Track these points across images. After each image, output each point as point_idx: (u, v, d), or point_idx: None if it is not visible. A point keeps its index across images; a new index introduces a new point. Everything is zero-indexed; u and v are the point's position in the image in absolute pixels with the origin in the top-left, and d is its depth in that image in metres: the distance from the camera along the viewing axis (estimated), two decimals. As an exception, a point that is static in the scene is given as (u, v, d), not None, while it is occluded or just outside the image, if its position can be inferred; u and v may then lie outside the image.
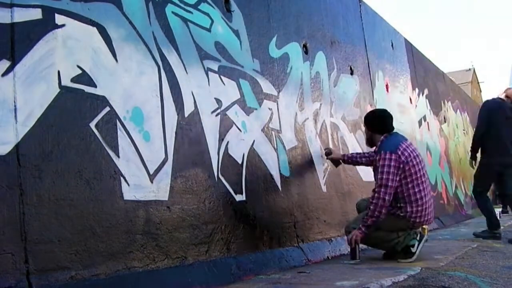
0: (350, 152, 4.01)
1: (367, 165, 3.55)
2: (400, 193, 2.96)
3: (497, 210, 7.18)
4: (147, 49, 2.24)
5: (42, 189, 1.68)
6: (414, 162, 2.97)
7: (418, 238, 2.98)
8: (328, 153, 3.60)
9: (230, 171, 2.65)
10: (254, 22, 3.13)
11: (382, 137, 3.09)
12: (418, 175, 2.97)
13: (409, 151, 2.98)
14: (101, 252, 1.84)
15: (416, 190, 2.95)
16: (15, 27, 1.68)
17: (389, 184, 2.87)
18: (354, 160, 3.54)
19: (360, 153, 3.65)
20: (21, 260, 1.57)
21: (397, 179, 2.92)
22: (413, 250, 2.94)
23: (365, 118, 3.34)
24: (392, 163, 2.91)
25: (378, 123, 3.17)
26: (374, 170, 3.21)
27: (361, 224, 2.91)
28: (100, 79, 1.98)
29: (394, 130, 3.19)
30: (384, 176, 2.90)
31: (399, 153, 2.93)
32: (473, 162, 4.57)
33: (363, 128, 4.38)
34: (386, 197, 2.86)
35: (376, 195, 2.89)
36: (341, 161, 3.59)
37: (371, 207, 2.88)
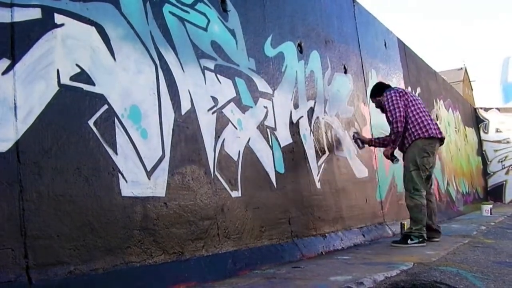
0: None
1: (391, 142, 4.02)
2: (408, 122, 3.69)
3: (488, 207, 7.31)
4: (145, 48, 2.26)
5: (42, 185, 1.70)
6: (408, 95, 3.79)
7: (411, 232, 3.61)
8: (355, 134, 4.25)
9: (226, 168, 2.68)
10: (250, 22, 3.16)
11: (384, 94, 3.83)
12: (414, 101, 3.76)
13: (403, 90, 3.84)
14: (99, 247, 1.86)
15: (415, 112, 3.70)
16: (15, 26, 1.69)
17: (399, 118, 3.64)
18: (381, 141, 4.14)
19: (384, 136, 4.25)
20: (21, 255, 1.59)
21: (403, 106, 3.66)
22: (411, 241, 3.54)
23: (370, 93, 4.18)
24: (394, 97, 3.70)
25: (378, 88, 4.03)
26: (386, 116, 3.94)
27: (390, 145, 3.82)
28: (99, 78, 1.99)
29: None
30: (393, 112, 3.67)
31: (395, 90, 3.80)
32: None
33: (357, 126, 4.45)
34: (400, 129, 3.65)
35: (393, 131, 3.69)
36: (366, 144, 4.24)
37: (392, 137, 3.74)
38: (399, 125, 3.63)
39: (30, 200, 1.65)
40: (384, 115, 3.98)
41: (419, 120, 3.69)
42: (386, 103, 3.75)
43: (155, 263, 2.09)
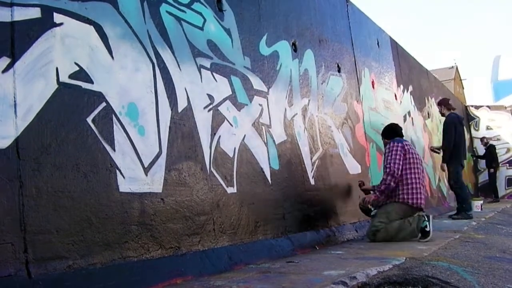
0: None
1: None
2: (400, 180, 3.64)
3: (478, 203, 7.41)
4: (142, 47, 2.29)
5: (41, 181, 1.72)
6: (412, 152, 3.74)
7: (427, 219, 3.50)
8: (361, 184, 4.25)
9: (222, 164, 2.71)
10: (245, 21, 3.18)
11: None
12: (413, 164, 3.67)
13: (410, 145, 3.79)
14: (98, 242, 1.89)
15: (410, 175, 3.64)
16: (15, 25, 1.71)
17: (396, 172, 3.59)
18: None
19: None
20: (21, 250, 1.61)
21: (402, 165, 3.62)
22: (427, 229, 3.47)
23: (382, 131, 4.14)
24: (398, 151, 3.66)
25: (387, 131, 4.05)
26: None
27: (376, 191, 3.73)
28: (97, 76, 2.02)
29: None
30: (391, 164, 3.62)
31: (404, 143, 3.74)
32: None
33: (350, 123, 4.50)
34: (392, 184, 3.61)
35: (385, 182, 3.61)
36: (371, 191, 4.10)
37: (382, 188, 3.64)
38: (392, 179, 3.60)
39: (30, 196, 1.67)
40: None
41: (410, 183, 3.64)
42: (388, 151, 3.71)
43: (152, 258, 2.11)
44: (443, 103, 5.95)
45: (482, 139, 10.78)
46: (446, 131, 5.68)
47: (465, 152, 5.91)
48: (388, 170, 3.62)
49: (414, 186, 3.64)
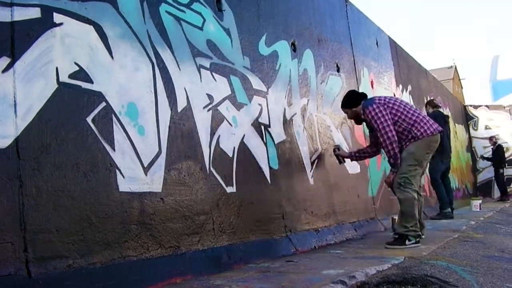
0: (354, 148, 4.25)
1: (373, 154, 3.86)
2: (403, 131, 3.30)
3: (477, 202, 7.41)
4: (142, 47, 2.29)
5: (41, 181, 1.72)
6: (393, 101, 3.36)
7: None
8: (336, 149, 3.87)
9: (221, 164, 2.71)
10: (244, 21, 3.19)
11: (361, 105, 3.43)
12: (402, 109, 3.32)
13: (384, 99, 3.38)
14: (97, 241, 1.89)
15: (405, 119, 3.29)
16: (15, 25, 1.71)
17: (388, 133, 3.24)
18: (361, 154, 3.85)
19: (363, 148, 3.96)
20: (21, 249, 1.61)
21: (389, 118, 3.27)
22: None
23: (342, 103, 3.63)
24: (377, 111, 3.26)
25: (351, 97, 3.57)
26: (370, 132, 3.70)
27: (391, 170, 3.38)
28: (97, 76, 2.02)
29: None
30: (383, 132, 3.25)
31: (377, 101, 3.34)
32: None
33: (349, 123, 4.50)
34: (396, 150, 3.25)
35: (389, 154, 3.29)
36: (349, 159, 3.89)
37: (391, 161, 3.32)
38: (394, 146, 3.25)
39: (30, 195, 1.68)
40: (358, 125, 3.93)
41: (418, 120, 3.30)
42: (372, 120, 3.31)
43: (152, 257, 2.12)
44: (428, 103, 6.28)
45: (491, 138, 10.58)
46: None
47: (447, 151, 5.95)
48: (384, 140, 3.26)
49: (420, 118, 3.32)
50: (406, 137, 3.31)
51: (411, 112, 3.34)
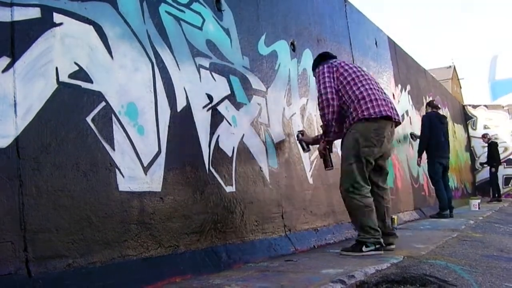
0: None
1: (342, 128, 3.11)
2: (342, 104, 2.85)
3: (476, 202, 7.43)
4: (142, 47, 2.29)
5: (41, 180, 1.73)
6: (347, 67, 2.90)
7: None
8: (300, 135, 3.47)
9: (221, 164, 2.72)
10: (244, 21, 3.19)
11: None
12: (356, 77, 2.84)
13: (340, 63, 2.95)
14: (97, 241, 1.90)
15: (356, 90, 2.80)
16: (15, 25, 1.71)
17: (327, 94, 2.80)
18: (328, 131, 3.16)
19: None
20: (21, 249, 1.61)
21: (334, 82, 2.84)
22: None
23: (312, 65, 3.21)
24: (325, 73, 2.87)
25: (316, 60, 3.18)
26: None
27: (321, 138, 3.06)
28: (97, 75, 2.02)
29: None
30: (320, 88, 2.85)
31: (329, 63, 2.94)
32: None
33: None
34: (330, 115, 2.80)
35: (323, 118, 2.87)
36: (313, 144, 3.45)
37: (323, 127, 2.97)
38: (330, 110, 2.78)
39: (30, 195, 1.68)
40: None
41: (360, 96, 2.76)
42: (316, 81, 2.92)
43: (152, 256, 2.12)
44: (428, 104, 6.47)
45: (484, 135, 10.35)
46: (422, 125, 6.09)
47: (445, 151, 6.04)
48: (319, 101, 2.86)
49: (367, 93, 2.78)
50: (345, 115, 2.86)
51: (364, 84, 2.82)
